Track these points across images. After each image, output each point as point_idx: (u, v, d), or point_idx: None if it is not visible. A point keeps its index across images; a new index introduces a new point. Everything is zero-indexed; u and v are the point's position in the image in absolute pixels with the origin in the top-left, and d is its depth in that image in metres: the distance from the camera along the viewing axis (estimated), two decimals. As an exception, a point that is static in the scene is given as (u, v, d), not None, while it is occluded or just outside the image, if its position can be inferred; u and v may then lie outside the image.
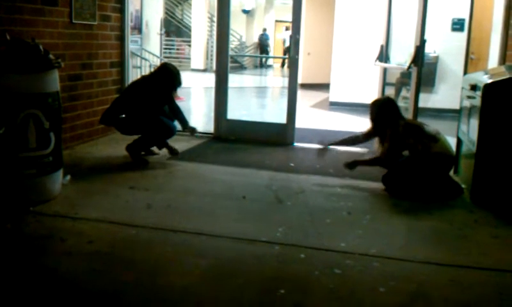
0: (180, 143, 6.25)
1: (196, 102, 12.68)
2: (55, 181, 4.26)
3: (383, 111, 5.01)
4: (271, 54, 27.77)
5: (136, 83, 5.72)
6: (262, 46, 26.47)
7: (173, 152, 5.66)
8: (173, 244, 3.52)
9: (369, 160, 5.19)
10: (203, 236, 3.64)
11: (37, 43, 4.13)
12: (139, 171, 5.20)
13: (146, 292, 2.88)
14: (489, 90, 4.35)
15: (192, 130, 5.76)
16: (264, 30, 27.04)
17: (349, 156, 5.95)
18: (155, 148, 5.70)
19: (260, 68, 26.42)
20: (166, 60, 12.70)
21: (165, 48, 19.57)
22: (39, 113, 3.99)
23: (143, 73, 8.52)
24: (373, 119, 5.12)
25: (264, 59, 27.18)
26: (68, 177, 4.64)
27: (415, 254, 3.45)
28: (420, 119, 5.55)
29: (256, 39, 27.41)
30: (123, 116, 5.44)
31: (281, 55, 27.15)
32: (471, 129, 4.68)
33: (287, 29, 26.46)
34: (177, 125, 5.66)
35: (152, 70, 8.75)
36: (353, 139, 5.49)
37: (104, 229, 3.71)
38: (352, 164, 5.12)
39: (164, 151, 5.69)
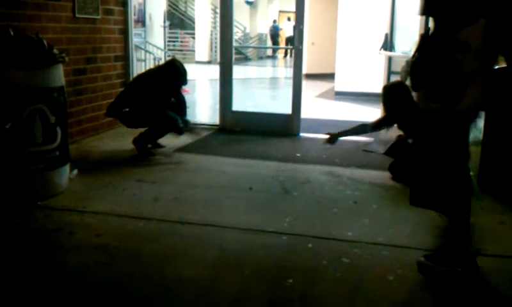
0: (186, 136, 6.25)
1: (201, 94, 12.68)
2: (62, 176, 4.27)
3: (394, 95, 4.93)
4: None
5: (142, 76, 5.72)
6: (273, 36, 26.64)
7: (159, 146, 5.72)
8: (181, 235, 3.54)
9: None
10: (210, 228, 3.65)
11: (41, 38, 4.13)
12: (145, 163, 5.21)
13: (154, 284, 2.89)
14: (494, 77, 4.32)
15: (186, 123, 5.73)
16: (274, 21, 27.23)
17: (355, 146, 5.95)
18: (161, 141, 5.71)
19: (273, 59, 26.71)
20: (170, 53, 12.70)
21: (169, 41, 19.54)
22: (45, 108, 4.00)
23: (148, 67, 8.52)
24: (386, 105, 5.05)
25: (274, 50, 27.51)
26: (75, 171, 4.66)
27: (423, 242, 3.44)
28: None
29: (259, 31, 27.52)
30: (127, 109, 5.44)
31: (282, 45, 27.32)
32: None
33: (289, 19, 26.59)
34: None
35: (158, 63, 8.77)
36: (361, 129, 5.36)
37: (112, 223, 3.72)
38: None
39: (171, 143, 5.71)
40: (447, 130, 2.82)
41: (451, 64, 2.69)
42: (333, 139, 5.26)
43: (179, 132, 5.60)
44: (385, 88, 5.15)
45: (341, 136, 5.32)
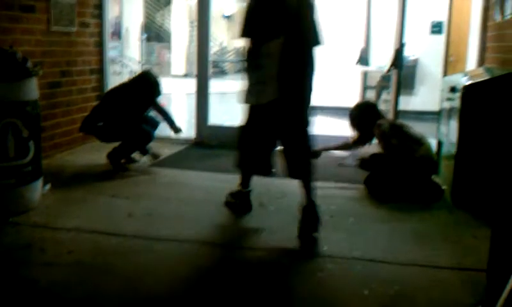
0: (161, 150, 6.21)
1: (177, 108, 12.62)
2: (34, 191, 4.20)
3: (363, 116, 5.07)
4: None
5: (115, 90, 5.67)
6: None
7: (155, 157, 5.66)
8: (155, 251, 3.49)
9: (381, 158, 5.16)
10: (185, 244, 3.62)
11: (14, 51, 4.08)
12: (119, 178, 5.16)
13: (128, 301, 2.85)
14: (468, 92, 4.40)
15: (177, 130, 5.72)
16: None
17: (332, 160, 5.97)
18: (136, 155, 5.66)
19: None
20: (146, 66, 12.63)
21: (145, 54, 19.46)
22: (18, 122, 3.93)
23: (123, 80, 8.46)
24: (356, 126, 5.24)
25: None
26: (48, 186, 4.58)
27: (398, 256, 3.46)
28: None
29: (236, 45, 27.63)
30: (101, 123, 5.38)
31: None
32: (451, 131, 4.72)
33: None
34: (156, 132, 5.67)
35: (132, 76, 8.71)
36: (344, 145, 5.65)
37: (85, 239, 3.66)
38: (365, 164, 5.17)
39: (145, 157, 5.67)
40: (256, 116, 3.86)
41: (258, 68, 3.64)
42: (317, 153, 5.31)
43: (144, 151, 5.58)
44: (353, 110, 5.34)
45: (325, 150, 5.67)
